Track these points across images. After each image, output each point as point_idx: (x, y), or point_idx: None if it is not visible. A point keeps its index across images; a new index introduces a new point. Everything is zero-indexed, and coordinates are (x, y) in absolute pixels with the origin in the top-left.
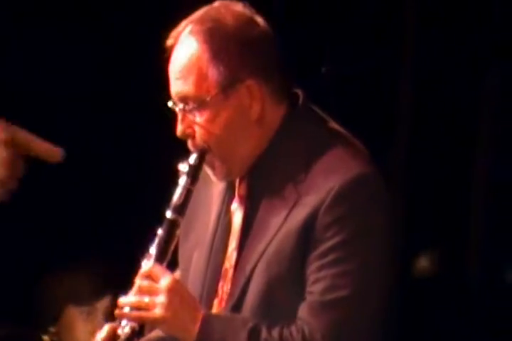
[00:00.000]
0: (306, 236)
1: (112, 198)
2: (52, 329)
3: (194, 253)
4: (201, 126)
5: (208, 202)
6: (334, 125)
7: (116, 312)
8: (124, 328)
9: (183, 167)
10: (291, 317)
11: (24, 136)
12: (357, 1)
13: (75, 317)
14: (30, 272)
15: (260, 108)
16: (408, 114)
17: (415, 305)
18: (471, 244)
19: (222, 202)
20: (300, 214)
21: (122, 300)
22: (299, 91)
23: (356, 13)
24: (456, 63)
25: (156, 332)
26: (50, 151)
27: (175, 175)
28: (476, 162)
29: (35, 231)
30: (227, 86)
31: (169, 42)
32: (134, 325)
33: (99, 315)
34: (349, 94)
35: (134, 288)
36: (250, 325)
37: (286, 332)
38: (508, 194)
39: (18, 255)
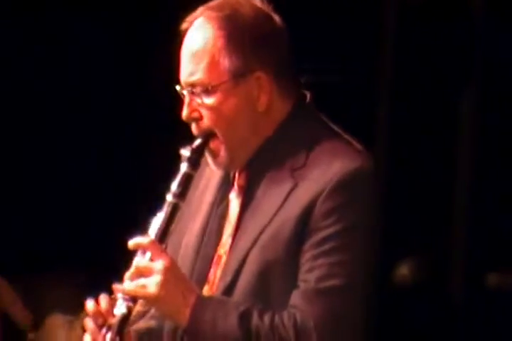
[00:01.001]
0: (304, 224)
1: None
2: (31, 336)
3: (183, 239)
4: (208, 110)
5: (202, 188)
6: (334, 125)
7: (114, 286)
8: (120, 308)
9: (185, 152)
10: (282, 302)
11: (6, 298)
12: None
13: (57, 325)
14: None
15: (267, 100)
16: (385, 123)
17: (395, 311)
18: (452, 252)
19: (218, 192)
20: (298, 201)
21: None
22: (307, 93)
23: (336, 25)
24: (432, 74)
25: (143, 323)
26: (22, 318)
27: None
28: (456, 175)
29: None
30: (238, 75)
31: (184, 26)
32: (131, 304)
33: (81, 327)
34: (327, 102)
35: (132, 267)
36: (242, 308)
37: (277, 318)
38: (489, 202)
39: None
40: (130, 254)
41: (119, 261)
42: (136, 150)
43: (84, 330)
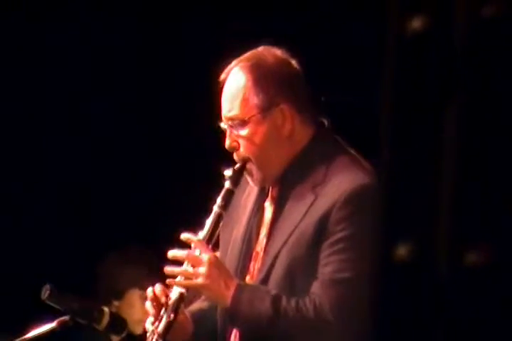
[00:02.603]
0: (321, 229)
1: (171, 195)
2: (115, 303)
3: (231, 239)
4: (244, 139)
5: (244, 199)
6: (349, 147)
7: (167, 281)
8: (174, 292)
9: (227, 173)
10: (306, 291)
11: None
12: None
13: (136, 298)
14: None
15: (291, 127)
16: (388, 134)
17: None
18: (438, 235)
19: (256, 202)
20: (318, 211)
21: (169, 268)
22: (326, 120)
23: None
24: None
25: (197, 304)
26: None
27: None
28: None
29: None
30: (265, 109)
31: (222, 76)
32: (183, 290)
33: None
34: (339, 121)
35: (185, 259)
36: (273, 293)
37: (301, 302)
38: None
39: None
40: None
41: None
42: (190, 174)
43: None
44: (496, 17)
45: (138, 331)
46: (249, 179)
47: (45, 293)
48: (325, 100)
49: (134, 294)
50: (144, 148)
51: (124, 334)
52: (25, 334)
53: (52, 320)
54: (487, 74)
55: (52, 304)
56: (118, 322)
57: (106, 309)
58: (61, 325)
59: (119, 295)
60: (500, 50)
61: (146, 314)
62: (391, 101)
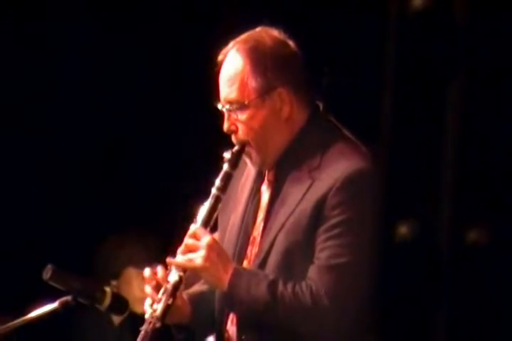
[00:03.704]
0: (317, 214)
1: (170, 180)
2: (113, 283)
3: (230, 221)
4: (242, 123)
5: (242, 184)
6: (344, 130)
7: (167, 259)
8: (173, 276)
9: (226, 155)
10: (303, 276)
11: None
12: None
13: (133, 276)
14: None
15: (289, 110)
16: (389, 111)
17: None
18: (440, 214)
19: (253, 186)
20: (314, 195)
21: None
22: (321, 103)
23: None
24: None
25: (197, 287)
26: None
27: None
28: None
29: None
30: (264, 92)
31: (220, 57)
32: (181, 273)
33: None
34: (342, 102)
35: (182, 245)
36: (270, 278)
37: (297, 287)
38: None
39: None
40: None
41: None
42: (190, 154)
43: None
44: None
45: (137, 309)
46: (248, 162)
47: (48, 273)
48: (326, 81)
49: (129, 273)
50: (144, 134)
51: (125, 314)
52: (26, 315)
53: (54, 301)
54: (488, 51)
55: (54, 284)
56: (120, 302)
57: (108, 289)
58: (63, 305)
59: (116, 274)
60: (500, 28)
61: (143, 292)
62: (393, 80)
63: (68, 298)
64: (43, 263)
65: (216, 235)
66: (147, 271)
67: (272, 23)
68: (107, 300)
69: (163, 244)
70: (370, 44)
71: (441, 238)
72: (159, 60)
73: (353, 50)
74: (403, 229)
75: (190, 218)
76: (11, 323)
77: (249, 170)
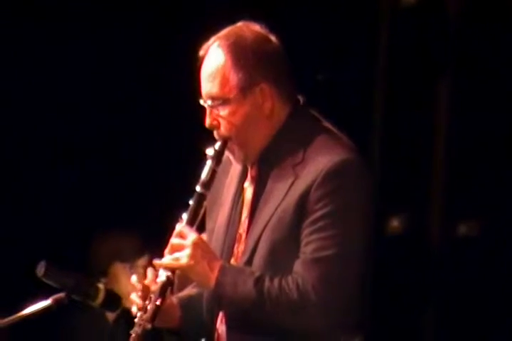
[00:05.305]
0: (302, 208)
1: (152, 176)
2: (103, 280)
3: (217, 220)
4: (224, 119)
5: (228, 182)
6: (326, 123)
7: (154, 262)
8: (161, 277)
9: (209, 152)
10: (289, 271)
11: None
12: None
13: (120, 271)
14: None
15: (270, 106)
16: (382, 105)
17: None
18: (432, 208)
19: (239, 182)
20: (297, 190)
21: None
22: (301, 97)
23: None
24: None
25: (187, 291)
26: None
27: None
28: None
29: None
30: (245, 88)
31: (201, 53)
32: (169, 274)
33: (140, 270)
34: (335, 97)
35: (168, 245)
36: (257, 274)
37: (284, 282)
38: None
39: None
40: (178, 213)
41: (169, 219)
42: (174, 151)
43: (140, 271)
44: None
45: (129, 305)
46: (231, 157)
47: (41, 269)
48: (319, 77)
49: (116, 268)
50: (131, 131)
51: (118, 311)
52: (20, 312)
53: (47, 297)
54: (480, 45)
55: (47, 281)
56: (113, 299)
57: (101, 286)
58: (57, 302)
59: (105, 272)
60: (492, 22)
61: (132, 286)
62: (385, 73)
63: (62, 294)
64: (35, 260)
65: (204, 235)
66: (134, 278)
67: (264, 18)
68: (101, 297)
69: (149, 240)
70: (362, 39)
71: (432, 231)
72: (142, 57)
73: (344, 46)
74: (395, 223)
75: (177, 216)
76: (4, 320)
77: (234, 169)
